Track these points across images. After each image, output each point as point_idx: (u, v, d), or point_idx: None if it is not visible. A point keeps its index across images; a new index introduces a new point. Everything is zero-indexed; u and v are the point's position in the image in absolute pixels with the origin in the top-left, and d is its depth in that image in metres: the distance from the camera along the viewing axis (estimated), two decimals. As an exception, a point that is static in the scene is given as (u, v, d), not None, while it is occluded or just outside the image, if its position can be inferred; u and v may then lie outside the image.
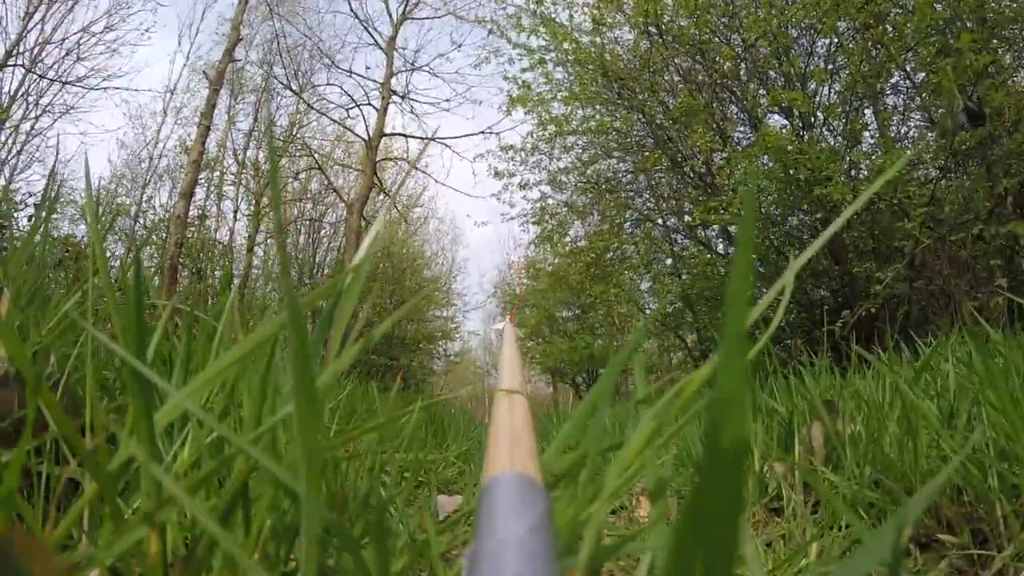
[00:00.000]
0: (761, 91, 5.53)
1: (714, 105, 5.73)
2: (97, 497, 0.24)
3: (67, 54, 11.84)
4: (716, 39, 5.65)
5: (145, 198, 13.55)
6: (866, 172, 4.84)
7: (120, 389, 0.55)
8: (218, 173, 13.73)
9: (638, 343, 0.36)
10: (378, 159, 11.36)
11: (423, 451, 1.45)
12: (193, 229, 11.47)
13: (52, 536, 0.24)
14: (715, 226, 5.88)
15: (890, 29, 4.76)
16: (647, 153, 6.39)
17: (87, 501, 0.25)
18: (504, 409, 0.41)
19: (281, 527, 0.27)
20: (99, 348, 0.62)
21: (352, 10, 11.36)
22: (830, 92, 5.33)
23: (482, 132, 11.19)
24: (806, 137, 4.98)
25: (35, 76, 11.54)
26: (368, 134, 11.01)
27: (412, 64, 12.00)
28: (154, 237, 10.83)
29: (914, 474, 0.77)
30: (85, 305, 0.61)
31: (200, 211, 12.73)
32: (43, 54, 11.75)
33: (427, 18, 12.69)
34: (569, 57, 6.28)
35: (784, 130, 5.03)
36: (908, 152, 4.65)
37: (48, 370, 0.45)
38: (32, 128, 12.23)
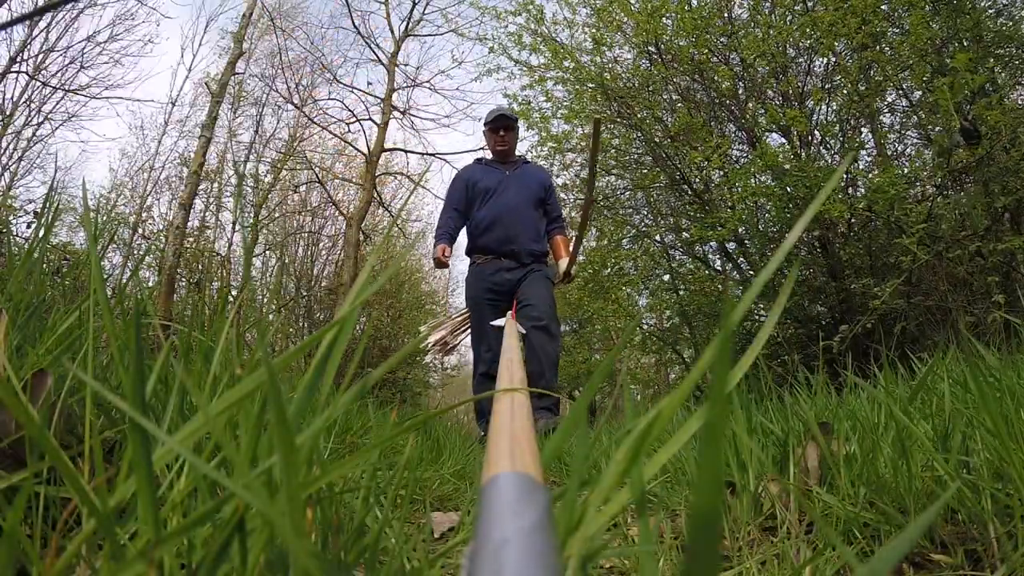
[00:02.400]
0: (759, 110, 5.57)
1: (712, 124, 5.77)
2: (95, 529, 0.24)
3: (71, 62, 11.91)
4: (715, 58, 5.70)
5: (144, 208, 13.57)
6: (863, 190, 4.86)
7: (120, 415, 0.56)
8: (217, 185, 13.77)
9: (611, 363, 0.36)
10: (378, 173, 11.40)
11: (418, 468, 1.45)
12: (192, 240, 11.49)
13: (52, 567, 0.24)
14: (712, 242, 5.90)
15: (887, 49, 4.81)
16: (645, 171, 6.43)
17: (86, 536, 0.25)
18: (505, 407, 0.41)
19: (276, 558, 0.27)
20: (96, 367, 0.63)
21: (355, 26, 11.45)
22: (827, 111, 5.37)
23: (482, 148, 11.25)
24: (803, 155, 5.02)
25: (38, 83, 11.60)
26: (368, 148, 11.06)
27: (413, 80, 12.08)
28: (153, 247, 10.84)
29: (908, 495, 0.77)
30: (84, 325, 0.61)
31: (200, 222, 12.76)
32: (47, 62, 11.82)
33: (429, 35, 12.81)
34: (569, 75, 6.32)
35: (782, 148, 5.07)
36: (904, 169, 4.68)
37: (44, 393, 0.45)
38: (33, 135, 12.29)
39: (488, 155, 4.18)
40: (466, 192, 3.87)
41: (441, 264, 3.79)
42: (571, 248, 3.76)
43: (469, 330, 4.05)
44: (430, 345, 4.32)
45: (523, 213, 3.76)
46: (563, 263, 3.81)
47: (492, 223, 3.73)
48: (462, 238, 4.05)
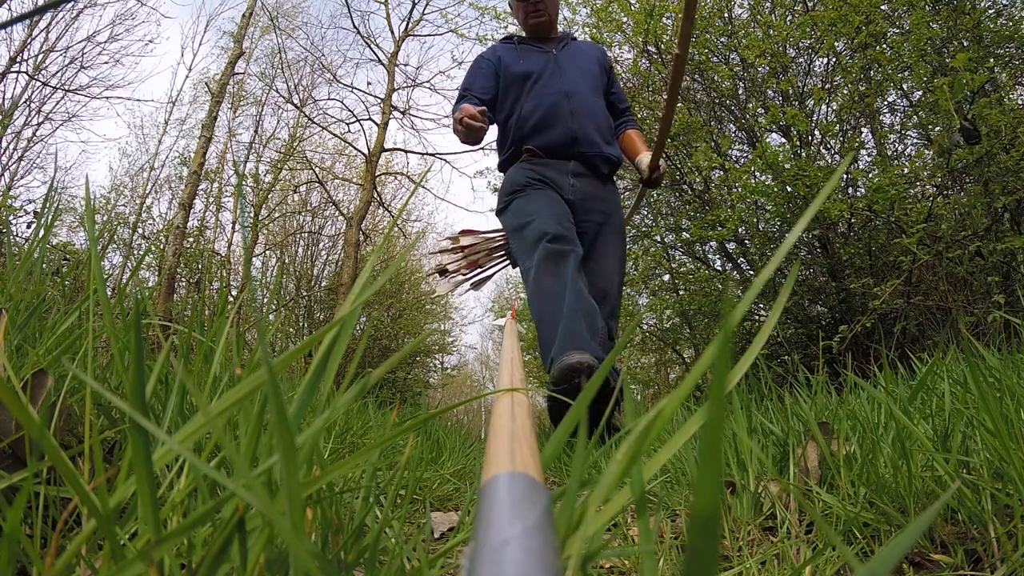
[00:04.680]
0: (760, 109, 5.57)
1: (712, 123, 5.77)
2: (95, 530, 0.24)
3: (71, 62, 11.92)
4: (715, 58, 5.70)
5: (144, 207, 13.58)
6: (863, 190, 4.87)
7: (120, 415, 0.56)
8: (217, 185, 13.77)
9: (611, 363, 0.36)
10: (378, 173, 11.40)
11: (419, 469, 1.45)
12: (191, 240, 11.49)
13: (53, 567, 0.24)
14: (712, 242, 5.90)
15: (887, 49, 4.81)
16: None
17: (86, 536, 0.25)
18: (505, 407, 0.41)
19: (276, 558, 0.27)
20: (96, 367, 0.63)
21: (354, 26, 11.45)
22: (827, 111, 5.38)
23: (482, 148, 11.28)
24: (804, 155, 5.02)
25: (38, 83, 11.61)
26: (368, 148, 11.07)
27: (413, 80, 12.09)
28: (153, 247, 10.84)
29: (908, 495, 0.77)
30: (84, 325, 0.61)
31: (200, 222, 12.76)
32: (47, 62, 11.83)
33: (429, 35, 12.85)
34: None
35: (782, 148, 5.07)
36: (904, 169, 4.68)
37: (44, 393, 0.45)
38: (33, 135, 12.30)
39: (520, 34, 3.03)
40: (496, 77, 2.79)
41: (473, 128, 2.39)
42: (660, 134, 2.63)
43: (502, 260, 3.00)
44: (446, 275, 3.04)
45: (588, 102, 2.73)
46: (645, 157, 2.81)
47: (547, 118, 2.66)
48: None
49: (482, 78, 2.78)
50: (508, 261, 3.04)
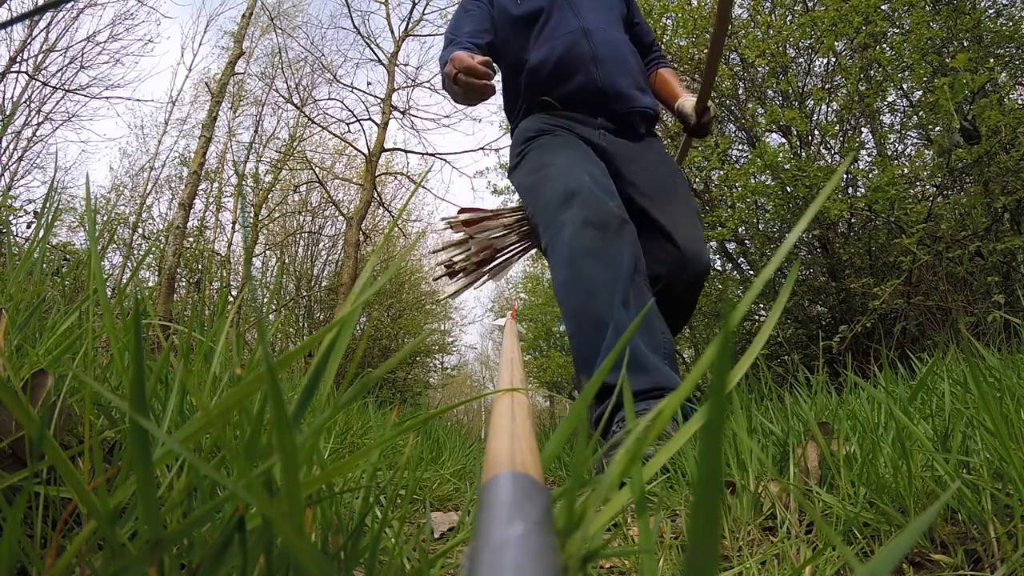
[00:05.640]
0: (759, 109, 5.58)
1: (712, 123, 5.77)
2: (95, 530, 0.24)
3: (71, 62, 11.93)
4: (714, 57, 5.70)
5: (144, 207, 13.59)
6: (863, 189, 4.87)
7: (120, 415, 0.56)
8: (217, 185, 13.78)
9: (611, 362, 0.36)
10: (378, 173, 11.41)
11: (419, 469, 1.45)
12: (191, 240, 11.50)
13: (53, 567, 0.24)
14: (712, 242, 5.90)
15: (887, 49, 4.81)
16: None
17: (86, 536, 0.25)
18: (505, 406, 0.41)
19: (276, 558, 0.27)
20: (96, 367, 0.63)
21: (354, 26, 11.46)
22: (827, 111, 5.38)
23: (482, 148, 11.30)
24: (804, 155, 5.02)
25: (38, 83, 11.62)
26: (368, 148, 11.07)
27: (413, 80, 12.10)
28: (153, 247, 10.85)
29: (908, 495, 0.77)
30: (84, 325, 0.61)
31: (200, 222, 12.77)
32: (47, 62, 11.84)
33: (429, 35, 12.84)
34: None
35: (782, 148, 5.07)
36: (904, 169, 4.68)
37: (44, 393, 0.45)
38: (33, 135, 12.31)
39: None
40: (490, 17, 2.18)
41: (474, 87, 1.77)
42: (708, 66, 2.11)
43: (524, 237, 2.37)
44: (455, 275, 2.40)
45: (611, 41, 2.12)
46: (688, 100, 2.22)
47: (562, 65, 2.07)
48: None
49: (472, 21, 2.14)
50: (530, 239, 2.42)
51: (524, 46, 2.15)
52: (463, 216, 2.38)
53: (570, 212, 1.71)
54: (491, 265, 2.42)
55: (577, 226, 1.68)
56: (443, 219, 2.46)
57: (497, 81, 2.03)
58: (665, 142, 2.45)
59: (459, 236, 2.39)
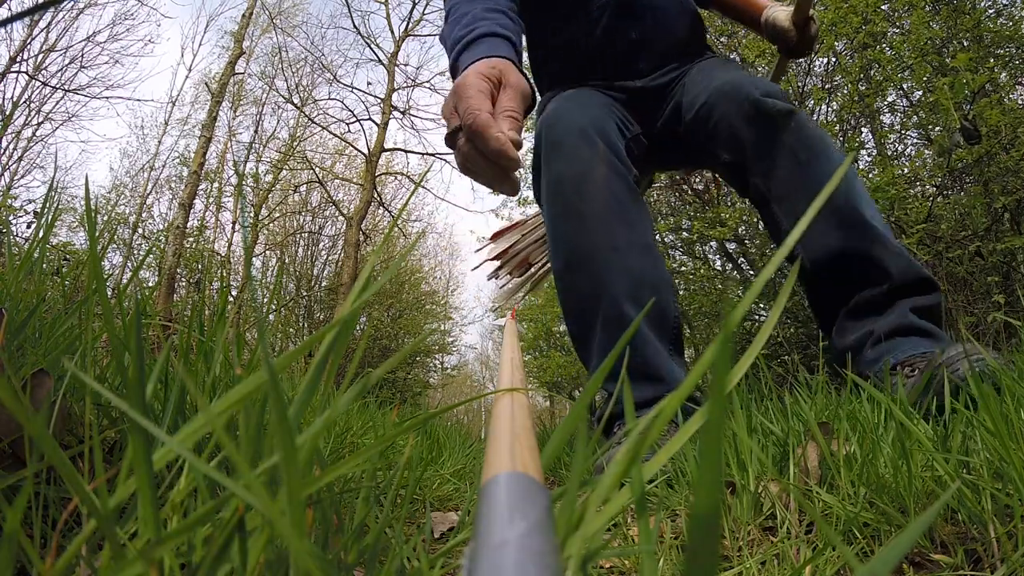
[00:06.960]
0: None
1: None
2: (95, 530, 0.25)
3: (71, 62, 11.94)
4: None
5: (144, 207, 13.60)
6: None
7: (120, 415, 0.56)
8: (217, 184, 13.79)
9: (611, 362, 0.36)
10: (378, 173, 11.41)
11: (418, 469, 1.45)
12: (191, 240, 11.50)
13: (53, 567, 0.24)
14: (713, 242, 5.90)
15: (887, 49, 4.81)
16: (646, 169, 6.41)
17: (86, 536, 0.25)
18: (505, 406, 0.41)
19: (276, 558, 0.28)
20: (96, 367, 0.63)
21: (354, 26, 11.47)
22: (827, 111, 5.38)
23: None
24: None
25: (38, 83, 11.63)
26: (368, 148, 11.08)
27: (413, 80, 12.11)
28: (153, 247, 10.85)
29: (908, 495, 0.77)
30: (84, 325, 0.61)
31: (200, 222, 12.77)
32: (47, 61, 11.85)
33: (429, 35, 12.85)
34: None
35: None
36: (904, 169, 4.68)
37: (44, 393, 0.45)
38: (33, 135, 12.32)
39: None
40: None
41: (510, 161, 0.90)
42: None
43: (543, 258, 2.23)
44: (502, 285, 2.35)
45: (658, 4, 1.69)
46: (779, 10, 1.68)
47: (598, 48, 1.69)
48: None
49: None
50: None
51: (545, 23, 1.76)
52: (499, 243, 2.34)
53: (563, 152, 1.43)
54: (530, 275, 2.37)
55: (562, 170, 1.42)
56: (485, 249, 2.41)
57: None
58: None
59: (498, 255, 2.35)
